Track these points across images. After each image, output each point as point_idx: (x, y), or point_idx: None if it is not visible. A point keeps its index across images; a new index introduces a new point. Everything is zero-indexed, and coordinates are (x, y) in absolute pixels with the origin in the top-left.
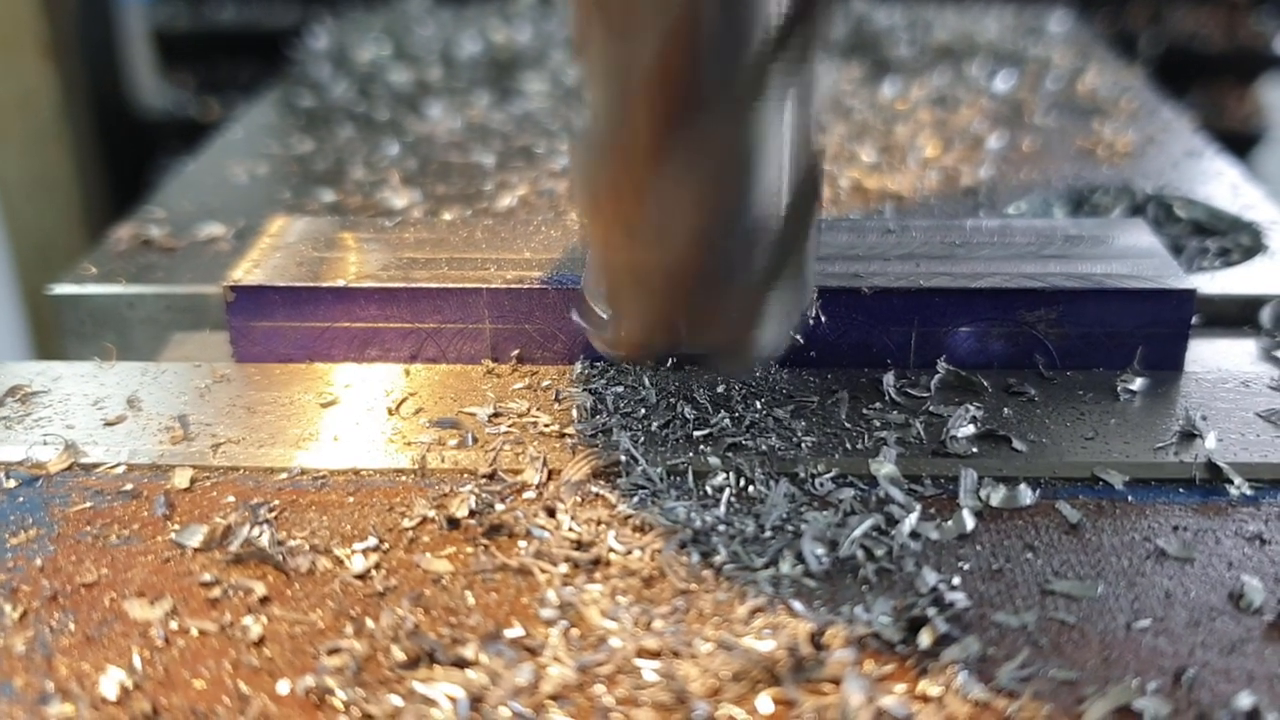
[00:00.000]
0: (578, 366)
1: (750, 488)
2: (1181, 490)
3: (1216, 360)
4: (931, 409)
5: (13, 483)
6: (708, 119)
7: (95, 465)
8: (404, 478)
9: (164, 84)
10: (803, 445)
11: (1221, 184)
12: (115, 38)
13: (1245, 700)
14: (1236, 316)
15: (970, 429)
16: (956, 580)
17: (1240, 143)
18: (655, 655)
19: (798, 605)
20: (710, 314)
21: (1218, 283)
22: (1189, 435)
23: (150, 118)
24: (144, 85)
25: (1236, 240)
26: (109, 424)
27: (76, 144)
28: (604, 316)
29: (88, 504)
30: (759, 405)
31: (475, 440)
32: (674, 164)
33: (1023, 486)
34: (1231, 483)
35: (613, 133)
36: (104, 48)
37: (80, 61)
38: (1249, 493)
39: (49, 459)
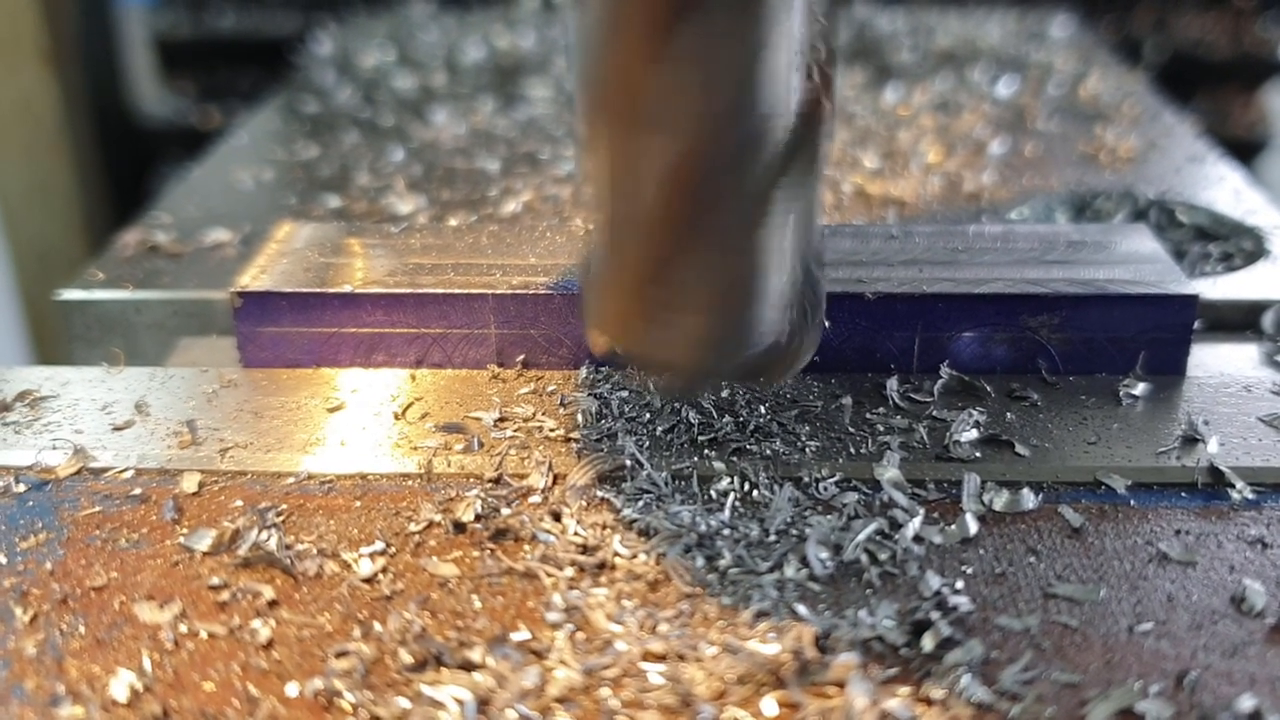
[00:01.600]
0: (583, 371)
1: (755, 492)
2: (1184, 494)
3: (1218, 365)
4: (935, 414)
5: (22, 487)
6: (710, 14)
7: (104, 470)
8: (410, 482)
9: (164, 91)
10: (807, 450)
11: (1224, 189)
12: (116, 45)
13: (1247, 703)
14: (1239, 321)
15: (973, 434)
16: (960, 584)
17: (1245, 149)
18: (661, 659)
19: (802, 609)
20: (695, 274)
21: (1220, 288)
22: (1191, 440)
23: (151, 125)
24: (144, 92)
25: (1239, 245)
26: (117, 429)
27: (76, 151)
28: (596, 306)
29: (97, 508)
30: (763, 410)
31: (481, 445)
32: (672, 58)
33: (1025, 491)
34: (1233, 487)
35: (612, 31)
36: (104, 55)
37: (80, 68)
38: (1251, 497)
39: (58, 463)
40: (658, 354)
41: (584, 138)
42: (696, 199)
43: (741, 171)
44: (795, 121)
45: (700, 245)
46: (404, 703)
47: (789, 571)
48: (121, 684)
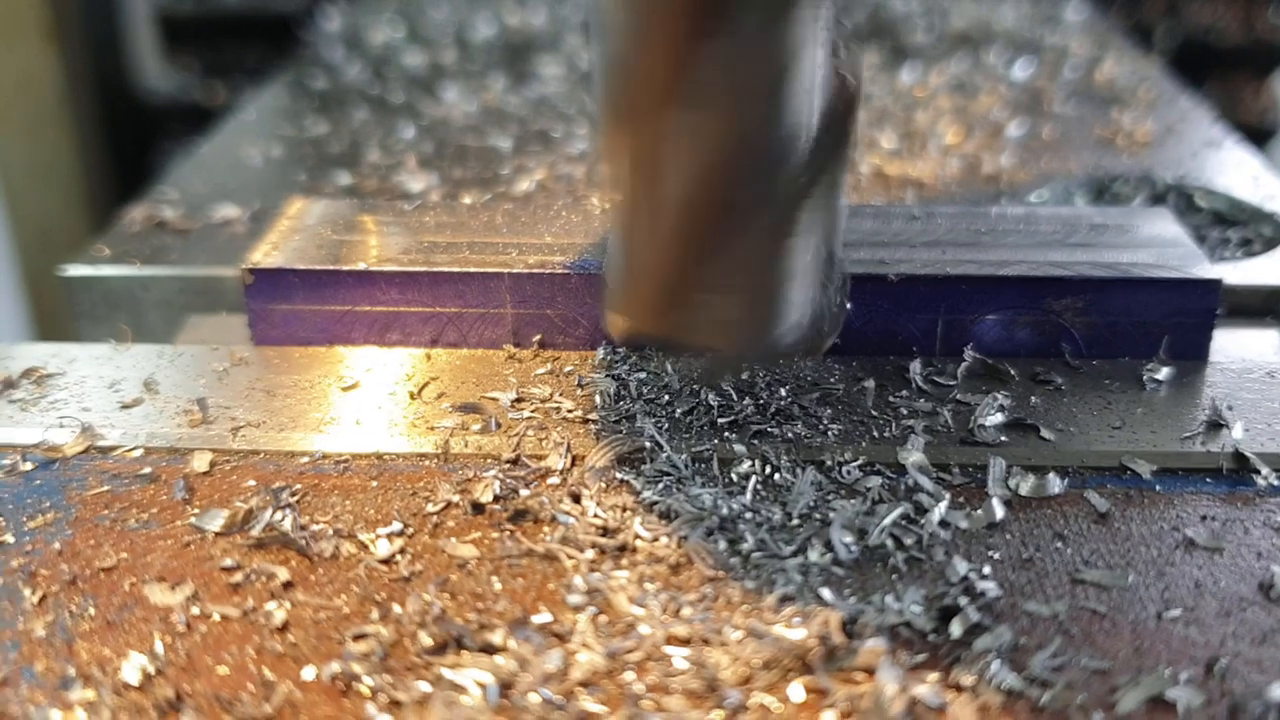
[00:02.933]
0: (600, 352)
1: (776, 475)
2: (1209, 480)
3: (1239, 351)
4: (959, 397)
5: (29, 465)
6: (728, 44)
7: (112, 448)
8: (427, 462)
9: (168, 68)
10: (829, 433)
11: (1242, 174)
12: (118, 20)
13: (1278, 691)
14: (1258, 307)
15: (998, 417)
16: (987, 569)
17: (1255, 136)
18: (685, 643)
19: (827, 594)
20: (729, 267)
21: (1240, 273)
22: (1216, 425)
23: (154, 102)
24: (148, 69)
25: (1258, 231)
26: (126, 407)
27: (79, 128)
28: (620, 291)
29: (105, 487)
30: (783, 393)
31: (498, 425)
32: (694, 91)
33: (1051, 475)
34: (1259, 473)
35: (633, 64)
36: (107, 30)
37: (83, 44)
38: (1276, 482)
39: (65, 442)
40: (688, 339)
41: (606, 128)
42: (723, 206)
43: (770, 177)
44: (824, 121)
45: (728, 247)
46: (425, 686)
47: (813, 556)
48: (133, 667)
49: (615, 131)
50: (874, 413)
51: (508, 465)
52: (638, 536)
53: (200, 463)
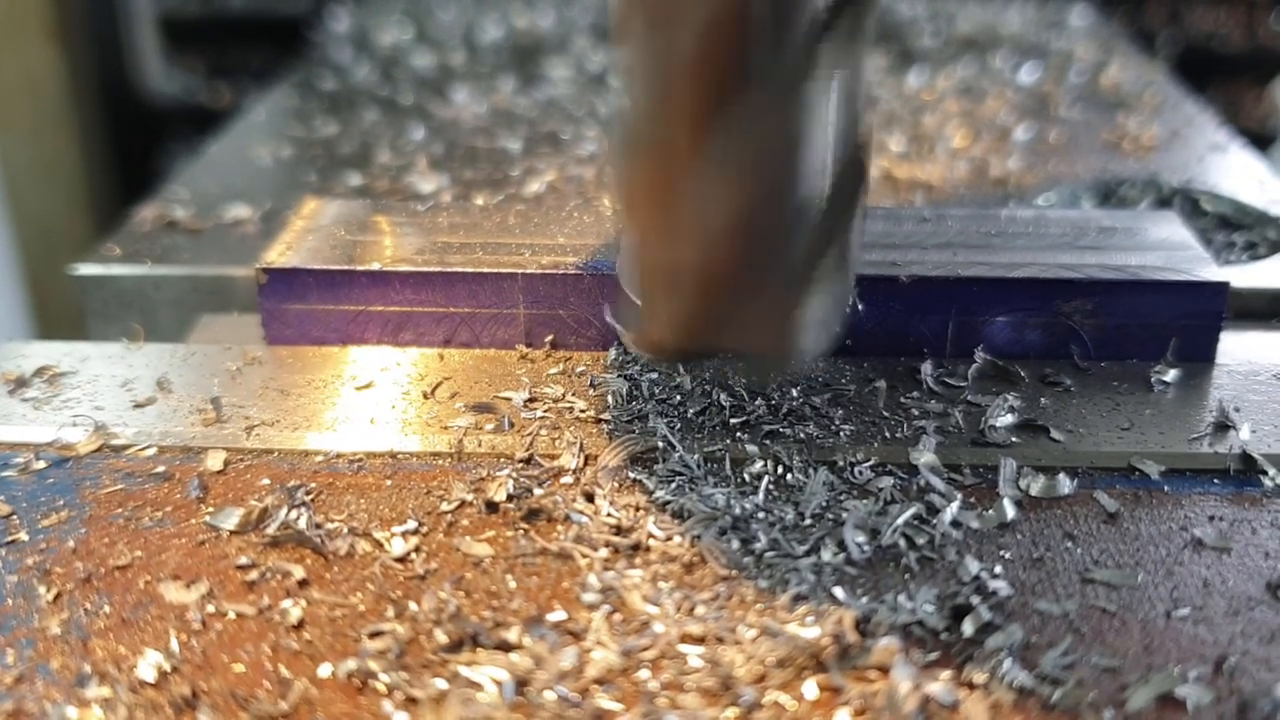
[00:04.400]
0: (612, 352)
1: (788, 475)
2: (1216, 481)
3: (1245, 353)
4: (970, 398)
5: (42, 464)
6: (749, 105)
7: (126, 447)
8: (441, 461)
9: (173, 69)
10: (841, 433)
11: (1247, 178)
12: (123, 21)
13: None
14: (1263, 310)
15: (1009, 418)
16: (998, 569)
17: (1257, 143)
18: (699, 641)
19: (840, 593)
20: (747, 313)
21: (1246, 276)
22: (1223, 427)
23: (158, 103)
24: (152, 70)
25: (1263, 234)
26: (139, 405)
27: (83, 129)
28: (637, 312)
29: (119, 486)
30: (795, 393)
31: (511, 425)
32: (714, 152)
33: (1061, 476)
34: (1266, 474)
35: (653, 121)
36: (111, 31)
37: (87, 45)
38: None
39: (78, 440)
40: (710, 350)
41: (623, 199)
42: (738, 268)
43: (784, 242)
44: (833, 191)
45: (748, 300)
46: (441, 683)
47: (826, 555)
48: (149, 664)
49: (637, 175)
50: (886, 413)
51: (521, 464)
52: (651, 535)
53: (214, 461)
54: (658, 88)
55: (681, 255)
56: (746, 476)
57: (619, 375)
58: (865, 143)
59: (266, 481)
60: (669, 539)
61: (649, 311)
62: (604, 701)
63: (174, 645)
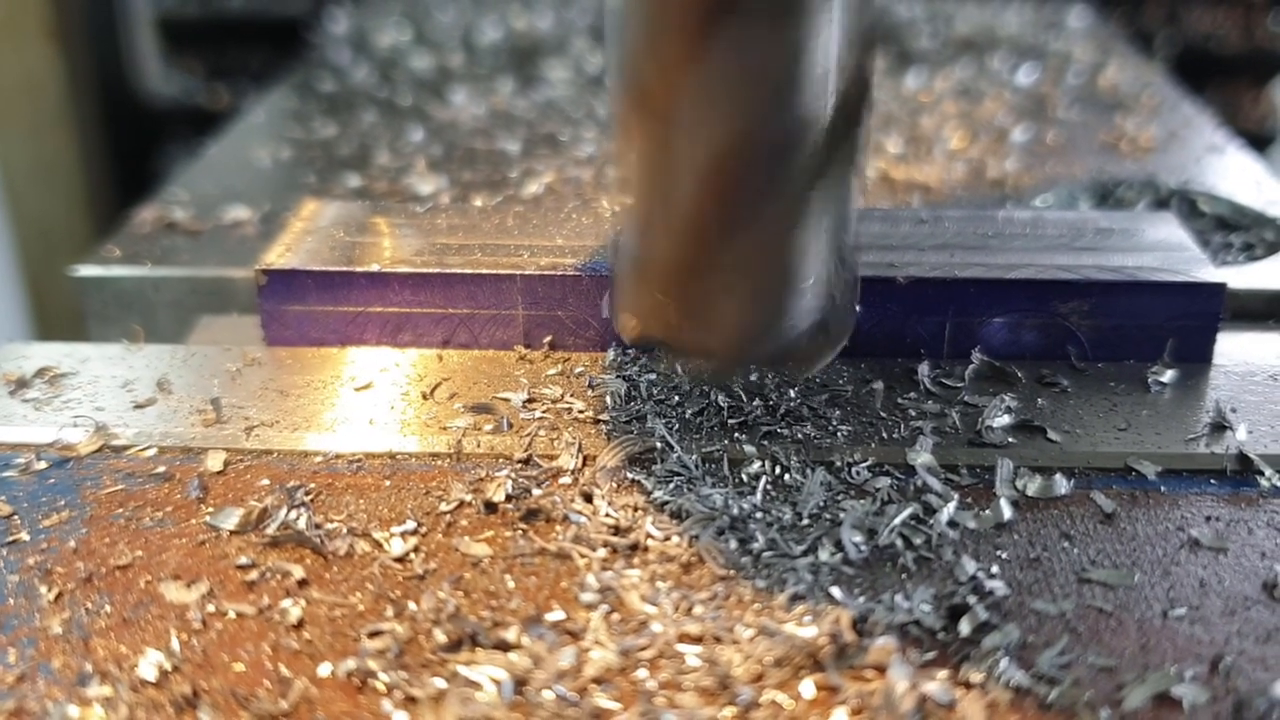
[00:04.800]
0: (610, 353)
1: (786, 476)
2: (1213, 481)
3: (1241, 354)
4: (967, 399)
5: (43, 464)
6: (747, 18)
7: (126, 447)
8: (440, 462)
9: (171, 70)
10: (838, 434)
11: (1244, 179)
12: (122, 22)
13: None
14: (1260, 311)
15: (1006, 419)
16: (995, 569)
17: (1255, 144)
18: (697, 640)
19: (837, 593)
20: (740, 251)
21: (1243, 277)
22: (1220, 427)
23: (157, 104)
24: (151, 71)
25: (1260, 235)
26: (139, 406)
27: (81, 130)
28: (630, 297)
29: (119, 486)
30: (793, 394)
31: (510, 425)
32: (712, 56)
33: (1058, 476)
34: (1263, 474)
35: (651, 26)
36: (110, 32)
37: (85, 46)
38: (1279, 484)
39: (79, 441)
40: (695, 342)
41: (619, 132)
42: (735, 196)
43: (780, 169)
44: (833, 117)
45: (738, 240)
46: (440, 683)
47: (823, 555)
48: (150, 663)
49: (626, 122)
50: (883, 414)
51: (520, 465)
52: (649, 536)
53: (214, 462)
54: (651, 6)
55: (679, 183)
56: (744, 477)
57: (617, 376)
58: (868, 61)
59: (266, 482)
60: (667, 539)
61: (642, 279)
62: (602, 700)
63: (175, 644)
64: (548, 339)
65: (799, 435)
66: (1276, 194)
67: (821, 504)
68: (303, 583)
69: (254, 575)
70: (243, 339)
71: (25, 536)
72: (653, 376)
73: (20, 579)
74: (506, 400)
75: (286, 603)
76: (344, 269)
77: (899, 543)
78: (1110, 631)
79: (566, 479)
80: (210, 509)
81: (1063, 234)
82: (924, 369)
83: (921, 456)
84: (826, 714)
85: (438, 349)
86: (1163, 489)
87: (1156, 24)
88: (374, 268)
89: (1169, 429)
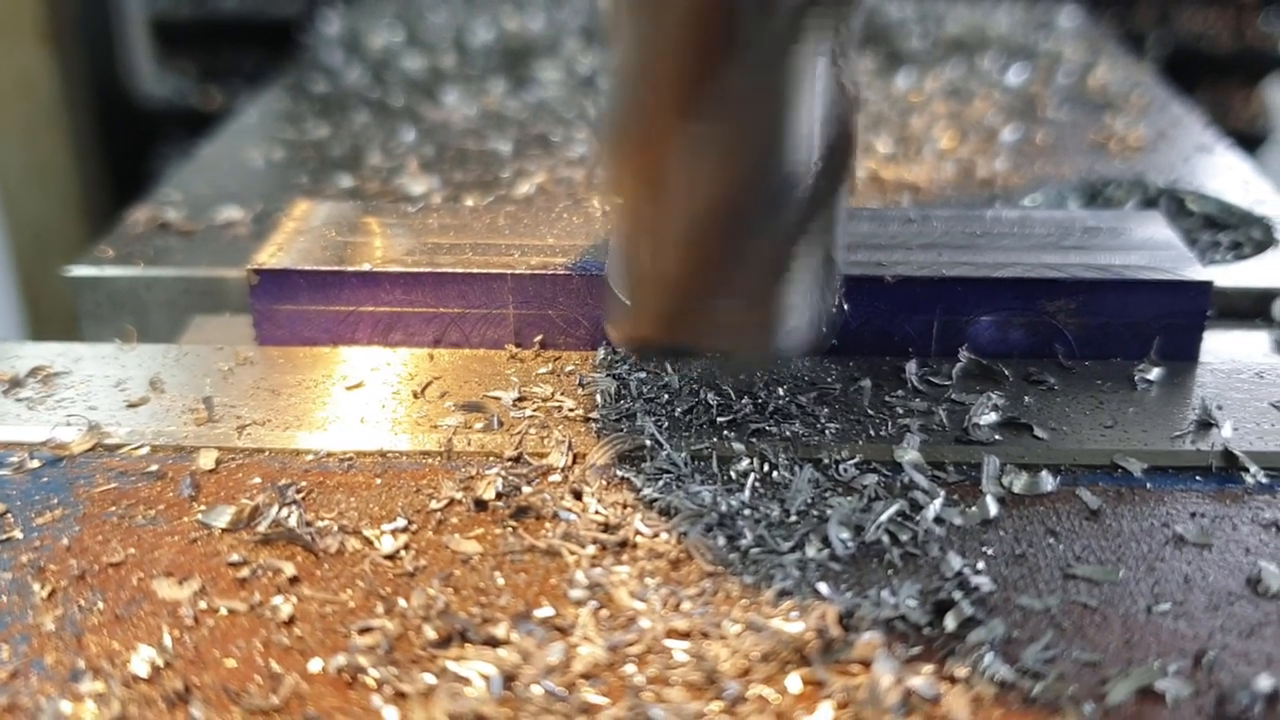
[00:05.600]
0: (601, 352)
1: (774, 473)
2: (1198, 478)
3: (1229, 352)
4: (954, 397)
5: (36, 463)
6: (740, 67)
7: (119, 446)
8: (430, 460)
9: (165, 71)
10: (826, 431)
11: (1232, 179)
12: (115, 23)
13: (1265, 683)
14: (1248, 309)
15: (992, 416)
16: (981, 564)
17: (1246, 143)
18: (685, 636)
19: (824, 588)
20: (731, 297)
21: (1230, 276)
22: (1206, 424)
23: (150, 105)
24: (144, 72)
25: (1248, 234)
26: (132, 405)
27: (75, 131)
28: (623, 307)
29: (112, 484)
30: (782, 392)
31: (501, 424)
32: (701, 125)
33: (1044, 473)
34: (1247, 470)
35: (643, 83)
36: (103, 33)
37: (79, 47)
38: (1264, 480)
39: (72, 439)
40: (693, 346)
41: (614, 147)
42: (725, 243)
43: (770, 216)
44: (829, 139)
45: (736, 260)
46: (429, 678)
47: (810, 551)
48: (142, 659)
49: (623, 150)
50: (871, 412)
51: (510, 463)
52: (638, 532)
53: (206, 460)
54: (650, 47)
55: (669, 232)
56: (733, 474)
57: (607, 374)
58: (854, 114)
59: (258, 480)
60: (656, 536)
61: (636, 301)
62: (590, 695)
63: (167, 641)
64: (538, 338)
65: (787, 433)
66: (1264, 193)
67: (809, 501)
68: (294, 580)
69: (245, 572)
70: (235, 338)
71: (19, 534)
72: (642, 375)
73: (14, 576)
74: (497, 399)
75: (278, 599)
76: (335, 269)
77: (886, 539)
78: (1095, 627)
79: (556, 476)
80: (202, 507)
81: (1050, 233)
82: (912, 367)
83: (909, 454)
84: (812, 708)
85: (429, 348)
86: (1148, 485)
87: (1148, 24)
88: (365, 267)
89: (1155, 426)
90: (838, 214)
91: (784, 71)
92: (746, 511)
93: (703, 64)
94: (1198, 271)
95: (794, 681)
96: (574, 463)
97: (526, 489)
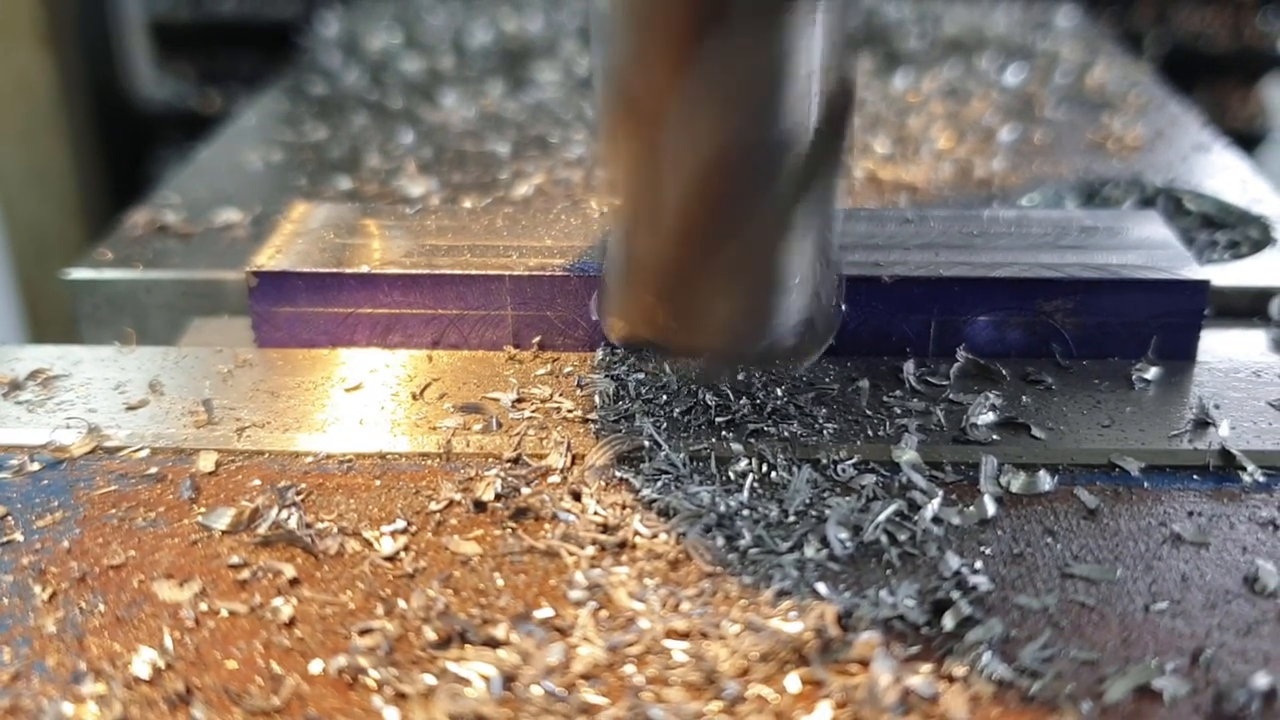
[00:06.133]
0: (599, 353)
1: (773, 473)
2: (1196, 477)
3: (1227, 351)
4: (951, 397)
5: (36, 465)
6: (737, 18)
7: (119, 449)
8: (430, 461)
9: (163, 74)
10: (824, 432)
11: (1230, 178)
12: (114, 27)
13: (1262, 681)
14: (1245, 308)
15: (990, 416)
16: (979, 564)
17: (1244, 143)
18: (684, 636)
19: (823, 588)
20: (728, 257)
21: (1227, 275)
22: (1203, 423)
23: (149, 108)
24: (143, 75)
25: (1245, 233)
26: (131, 408)
27: (74, 134)
28: (619, 297)
29: (112, 487)
30: (780, 392)
31: (499, 425)
32: (700, 67)
33: (1042, 473)
34: (1245, 469)
35: (640, 37)
36: (102, 37)
37: (78, 50)
38: (1262, 479)
39: (72, 442)
40: (683, 342)
41: (607, 138)
42: (723, 202)
43: (768, 174)
44: (819, 124)
45: (727, 245)
46: (429, 679)
47: (809, 552)
48: (143, 661)
49: (615, 130)
50: (868, 412)
51: (509, 464)
52: (637, 533)
53: (206, 463)
54: (641, 11)
55: (665, 200)
56: (731, 474)
57: (606, 375)
58: (852, 81)
59: (257, 482)
60: (655, 536)
61: (632, 288)
62: (590, 696)
63: (168, 642)
64: (537, 339)
65: (785, 433)
66: (1261, 192)
67: (807, 501)
68: (294, 581)
69: (246, 574)
70: (234, 341)
71: (19, 537)
72: (641, 376)
73: (14, 579)
74: (496, 400)
75: (278, 601)
76: (334, 271)
77: (884, 539)
78: (1092, 625)
79: (555, 478)
80: (202, 509)
81: (1047, 232)
82: (909, 367)
83: (907, 454)
84: (811, 708)
85: (427, 350)
86: (1146, 485)
87: (1145, 24)
88: (364, 269)
89: (1152, 425)
90: (833, 207)
91: (772, 44)
92: (745, 512)
93: (700, 15)
94: (1195, 271)
95: (793, 681)
96: (573, 464)
97: (525, 490)
